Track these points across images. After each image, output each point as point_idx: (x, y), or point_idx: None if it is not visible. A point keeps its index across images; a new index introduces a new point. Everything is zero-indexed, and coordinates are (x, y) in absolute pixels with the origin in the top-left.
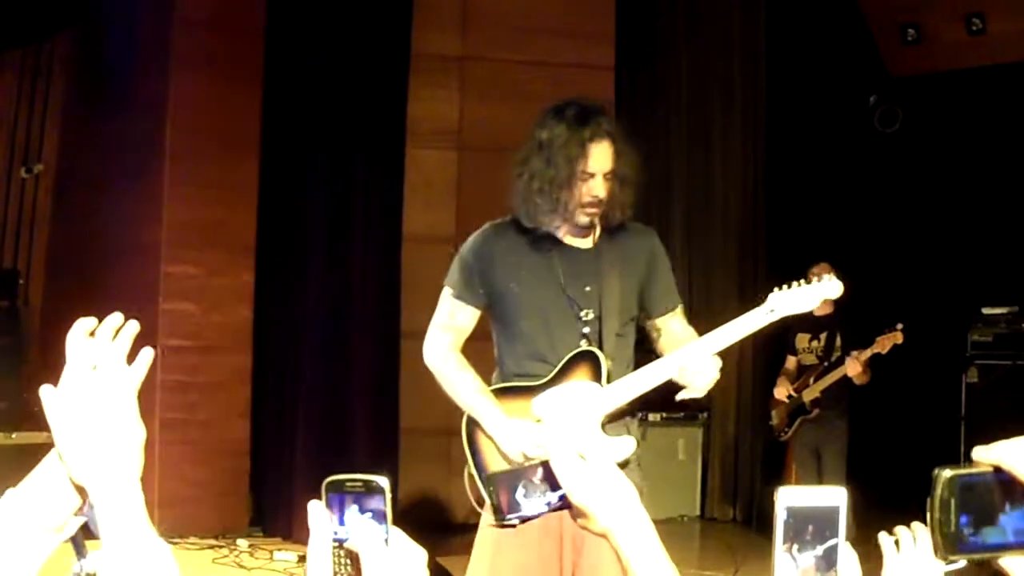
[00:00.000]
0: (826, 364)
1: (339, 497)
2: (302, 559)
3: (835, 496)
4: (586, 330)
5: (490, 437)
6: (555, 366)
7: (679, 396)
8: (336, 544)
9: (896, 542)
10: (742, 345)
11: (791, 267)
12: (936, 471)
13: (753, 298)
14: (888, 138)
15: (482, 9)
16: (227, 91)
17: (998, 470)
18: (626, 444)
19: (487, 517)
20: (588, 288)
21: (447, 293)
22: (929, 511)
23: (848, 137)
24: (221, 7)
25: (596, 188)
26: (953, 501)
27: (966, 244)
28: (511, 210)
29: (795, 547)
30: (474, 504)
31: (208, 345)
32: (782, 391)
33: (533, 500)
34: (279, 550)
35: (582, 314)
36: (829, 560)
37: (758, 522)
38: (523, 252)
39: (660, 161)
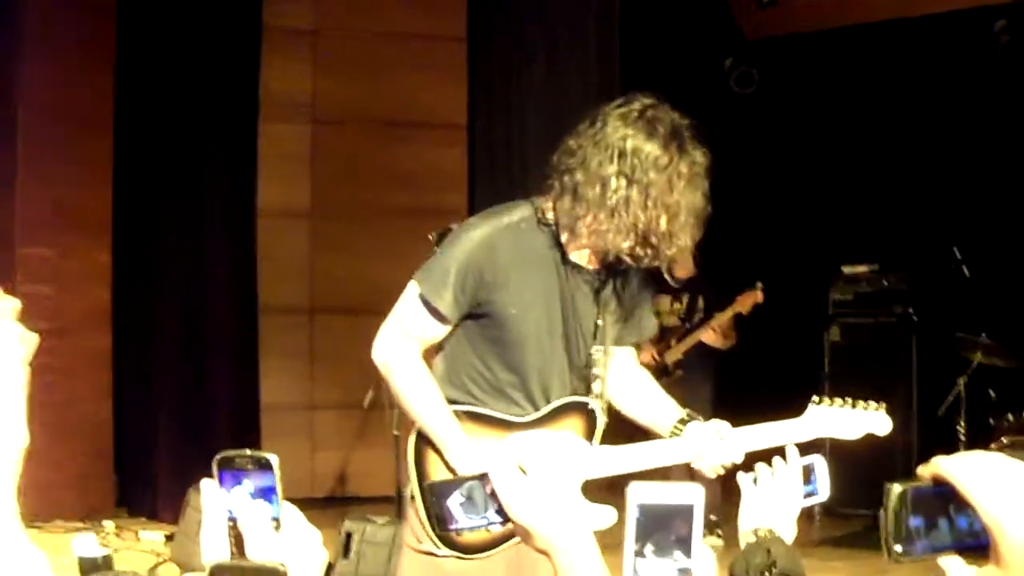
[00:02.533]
0: (688, 326)
1: (229, 474)
2: (168, 538)
3: (691, 494)
4: (580, 369)
5: (450, 466)
6: (539, 405)
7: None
8: (229, 523)
9: (755, 479)
10: None
11: None
12: (887, 485)
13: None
14: (745, 100)
15: None
16: (79, 70)
17: (936, 482)
18: (607, 514)
19: (427, 544)
20: (587, 320)
21: (422, 303)
22: (882, 520)
23: (704, 100)
24: None
25: None
26: (903, 511)
27: (825, 203)
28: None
29: (648, 546)
30: (428, 533)
31: (66, 327)
32: (645, 355)
33: (472, 514)
34: (144, 530)
35: (575, 350)
36: (683, 561)
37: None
38: (529, 267)
39: (515, 131)
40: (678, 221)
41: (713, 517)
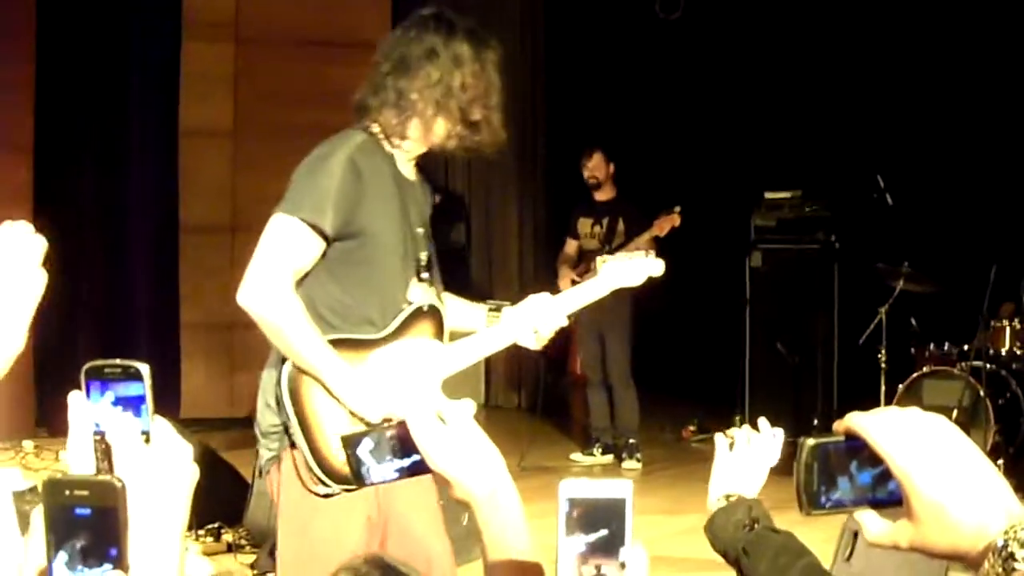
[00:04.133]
0: (608, 249)
1: (98, 384)
2: None
3: (621, 488)
4: (425, 276)
5: (335, 397)
6: (389, 320)
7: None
8: (97, 436)
9: (731, 444)
10: (522, 231)
11: (571, 158)
12: (800, 440)
13: (532, 193)
14: (670, 25)
15: None
16: None
17: (849, 436)
18: (467, 407)
19: (298, 489)
20: (420, 229)
21: (298, 224)
22: (795, 475)
23: (630, 24)
24: None
25: None
26: (815, 465)
27: (749, 129)
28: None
29: (580, 541)
30: (318, 474)
31: None
32: (565, 281)
33: (384, 464)
34: (64, 450)
35: (421, 257)
36: (612, 552)
37: (543, 409)
38: (381, 185)
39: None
40: (493, 100)
41: (632, 440)
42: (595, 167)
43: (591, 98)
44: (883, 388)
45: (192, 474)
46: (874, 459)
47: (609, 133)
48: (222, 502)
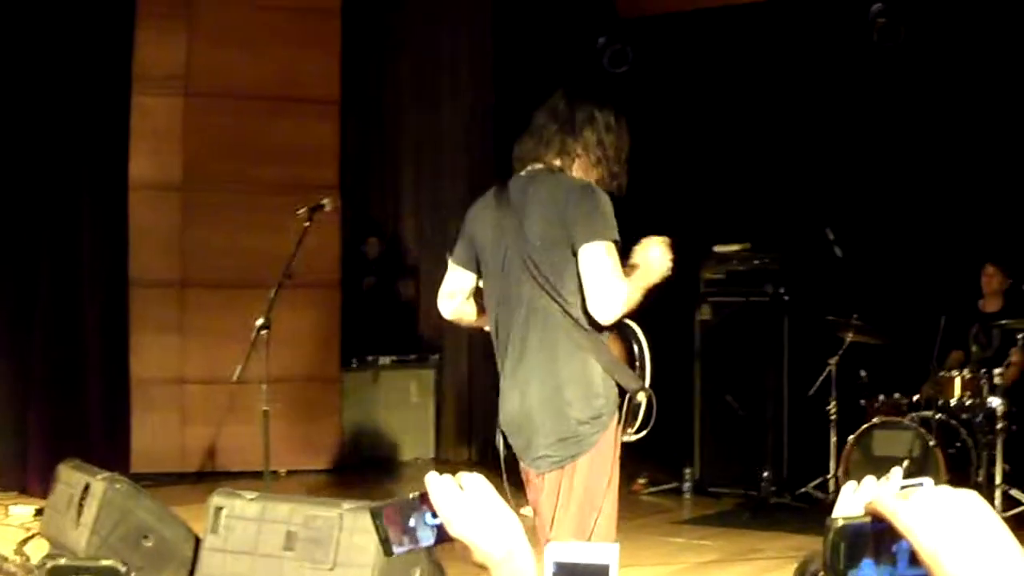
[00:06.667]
0: None
1: None
2: (38, 512)
3: (606, 553)
4: None
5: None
6: None
7: None
8: None
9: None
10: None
11: None
12: (828, 520)
13: None
14: (617, 79)
15: None
16: None
17: (874, 517)
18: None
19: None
20: None
21: (613, 246)
22: (823, 554)
23: (577, 77)
24: None
25: None
26: (842, 545)
27: (697, 182)
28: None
29: None
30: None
31: None
32: None
33: (421, 530)
34: (15, 504)
35: None
36: None
37: (494, 462)
38: None
39: (388, 108)
40: (625, 156)
41: None
42: None
43: None
44: (833, 439)
45: None
46: (899, 539)
47: None
48: (173, 557)
